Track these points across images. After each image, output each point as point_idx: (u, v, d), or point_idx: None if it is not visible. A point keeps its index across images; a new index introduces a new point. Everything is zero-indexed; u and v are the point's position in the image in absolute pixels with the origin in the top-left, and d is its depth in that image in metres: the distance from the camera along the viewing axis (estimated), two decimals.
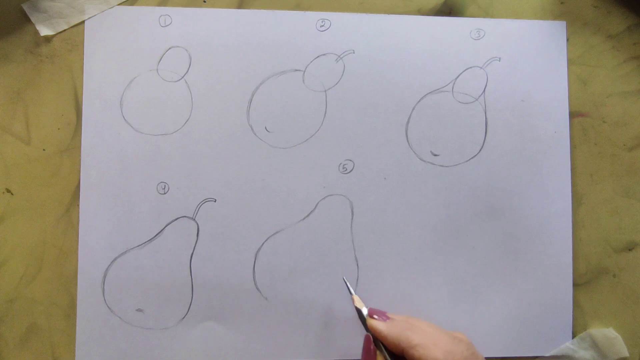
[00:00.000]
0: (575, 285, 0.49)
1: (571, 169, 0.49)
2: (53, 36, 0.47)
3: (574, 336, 0.48)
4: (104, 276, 0.46)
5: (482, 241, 0.48)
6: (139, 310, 0.46)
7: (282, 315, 0.47)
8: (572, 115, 0.49)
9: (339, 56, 0.48)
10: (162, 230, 0.46)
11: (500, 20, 0.49)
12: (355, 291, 0.47)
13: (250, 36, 0.48)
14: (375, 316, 0.40)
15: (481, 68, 0.49)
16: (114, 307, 0.46)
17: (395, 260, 0.48)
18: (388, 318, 0.39)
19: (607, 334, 0.48)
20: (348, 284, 0.45)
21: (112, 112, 0.47)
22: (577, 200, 0.49)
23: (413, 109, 0.48)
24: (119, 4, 0.47)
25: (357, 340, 0.46)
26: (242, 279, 0.47)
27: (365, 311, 0.41)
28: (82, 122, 0.47)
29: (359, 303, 0.42)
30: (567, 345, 0.48)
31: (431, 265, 0.48)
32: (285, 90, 0.48)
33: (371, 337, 0.40)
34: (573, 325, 0.48)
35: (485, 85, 0.49)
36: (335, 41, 0.48)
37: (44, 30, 0.47)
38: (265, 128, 0.47)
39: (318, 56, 0.48)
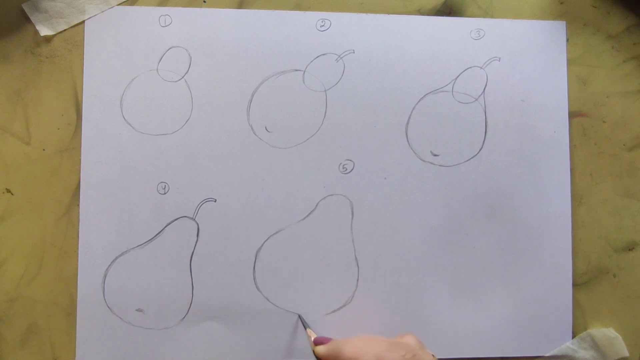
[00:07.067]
0: (575, 285, 0.49)
1: (571, 169, 0.49)
2: (53, 36, 0.47)
3: (574, 336, 0.48)
4: (104, 276, 0.46)
5: (482, 241, 0.48)
6: (139, 310, 0.46)
7: (282, 315, 0.47)
8: (572, 115, 0.49)
9: (339, 56, 0.48)
10: (162, 230, 0.46)
11: (500, 20, 0.49)
12: (354, 291, 0.47)
13: (250, 36, 0.48)
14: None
15: (481, 68, 0.49)
16: (114, 307, 0.46)
17: (395, 260, 0.48)
18: (330, 341, 0.41)
19: (607, 333, 0.48)
20: (303, 320, 0.46)
21: (112, 112, 0.47)
22: (576, 200, 0.49)
23: (413, 109, 0.48)
24: (119, 4, 0.47)
25: None
26: (242, 279, 0.47)
27: (312, 340, 0.43)
28: (82, 122, 0.47)
29: (311, 335, 0.44)
30: (567, 345, 0.48)
31: (431, 265, 0.48)
32: (285, 90, 0.48)
33: None
34: (573, 325, 0.48)
35: (485, 85, 0.49)
36: (335, 41, 0.48)
37: (44, 30, 0.47)
38: (265, 128, 0.47)
39: (318, 56, 0.48)
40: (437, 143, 0.48)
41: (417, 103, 0.48)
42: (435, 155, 0.48)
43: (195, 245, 0.47)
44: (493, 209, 0.48)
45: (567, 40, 0.50)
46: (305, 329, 0.45)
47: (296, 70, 0.48)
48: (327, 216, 0.47)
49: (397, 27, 0.49)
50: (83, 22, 0.47)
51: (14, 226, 0.46)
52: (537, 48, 0.49)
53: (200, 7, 0.48)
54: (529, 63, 0.49)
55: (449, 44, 0.49)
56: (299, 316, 0.47)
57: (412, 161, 0.48)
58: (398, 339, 0.40)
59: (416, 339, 0.40)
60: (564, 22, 0.50)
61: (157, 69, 0.47)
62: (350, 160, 0.48)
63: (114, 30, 0.47)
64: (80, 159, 0.46)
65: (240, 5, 0.48)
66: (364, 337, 0.40)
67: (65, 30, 0.47)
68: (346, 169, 0.48)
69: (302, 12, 0.48)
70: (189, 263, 0.47)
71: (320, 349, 0.40)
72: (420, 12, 0.49)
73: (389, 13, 0.49)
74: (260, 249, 0.47)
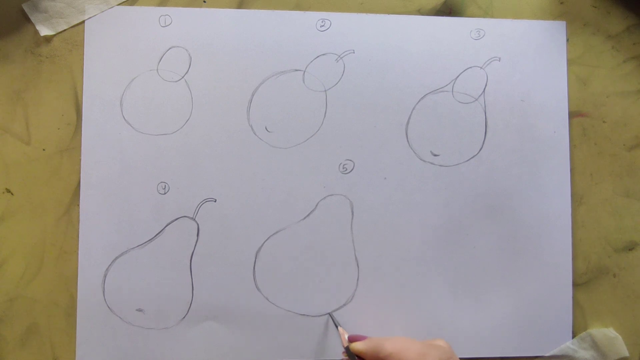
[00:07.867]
0: (575, 285, 0.49)
1: (571, 169, 0.49)
2: (53, 36, 0.47)
3: (574, 336, 0.48)
4: (104, 276, 0.46)
5: (482, 241, 0.48)
6: (139, 310, 0.46)
7: (282, 315, 0.47)
8: (572, 115, 0.49)
9: (339, 56, 0.48)
10: (162, 230, 0.46)
11: (500, 20, 0.49)
12: (354, 291, 0.47)
13: (250, 36, 0.48)
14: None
15: (481, 68, 0.49)
16: (114, 307, 0.46)
17: (395, 260, 0.48)
18: (365, 338, 0.42)
19: (607, 333, 0.48)
20: (334, 318, 0.46)
21: (112, 112, 0.47)
22: (576, 200, 0.49)
23: (413, 109, 0.48)
24: (119, 4, 0.47)
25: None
26: (242, 279, 0.47)
27: (346, 337, 0.43)
28: (82, 122, 0.47)
29: (343, 335, 0.44)
30: (567, 345, 0.48)
31: (431, 265, 0.48)
32: (285, 90, 0.48)
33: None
34: (573, 325, 0.48)
35: (485, 85, 0.49)
36: (335, 41, 0.48)
37: (44, 30, 0.47)
38: (265, 128, 0.47)
39: (318, 56, 0.48)
40: (437, 143, 0.48)
41: (417, 103, 0.48)
42: (435, 155, 0.48)
43: (195, 245, 0.47)
44: (493, 209, 0.48)
45: (567, 40, 0.50)
46: (337, 327, 0.45)
47: (296, 70, 0.48)
48: (327, 216, 0.47)
49: (397, 27, 0.49)
50: (83, 22, 0.47)
51: (14, 226, 0.46)
52: (537, 48, 0.49)
53: (200, 7, 0.48)
54: (529, 63, 0.49)
55: (449, 44, 0.49)
56: (330, 314, 0.47)
57: (412, 161, 0.48)
58: (431, 342, 0.41)
59: (448, 344, 0.41)
60: (564, 22, 0.50)
61: (157, 69, 0.47)
62: (350, 160, 0.48)
63: (114, 30, 0.47)
64: (80, 159, 0.46)
65: (240, 5, 0.48)
66: (401, 337, 0.41)
67: (65, 30, 0.47)
68: (346, 169, 0.48)
69: (302, 12, 0.48)
70: (189, 263, 0.47)
71: (359, 345, 0.40)
72: (420, 12, 0.49)
73: (389, 13, 0.49)
74: (260, 249, 0.47)
